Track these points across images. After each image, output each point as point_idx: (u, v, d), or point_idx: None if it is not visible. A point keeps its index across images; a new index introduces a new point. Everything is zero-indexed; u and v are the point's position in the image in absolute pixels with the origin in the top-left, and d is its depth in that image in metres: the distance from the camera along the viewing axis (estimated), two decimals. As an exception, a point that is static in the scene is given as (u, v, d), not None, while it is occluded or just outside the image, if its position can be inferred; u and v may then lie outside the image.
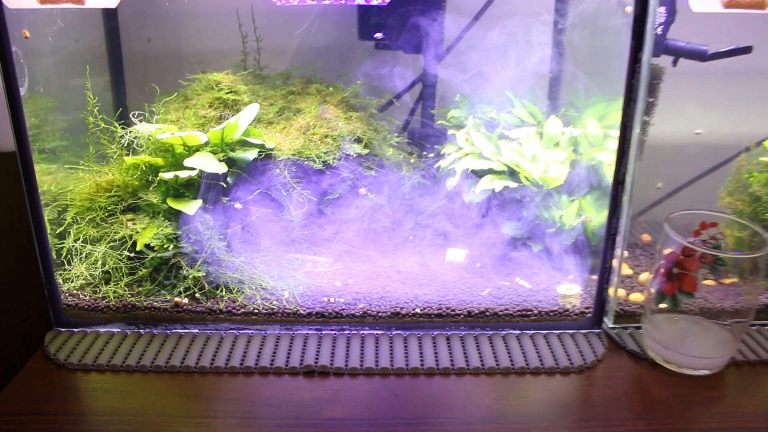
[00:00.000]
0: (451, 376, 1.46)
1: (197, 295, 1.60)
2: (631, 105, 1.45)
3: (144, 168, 1.63)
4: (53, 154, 1.69)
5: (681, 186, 1.95)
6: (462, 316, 1.60)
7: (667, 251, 1.45)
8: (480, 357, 1.50)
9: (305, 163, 1.70)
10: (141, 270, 1.61)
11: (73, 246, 1.61)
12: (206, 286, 1.61)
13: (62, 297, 1.61)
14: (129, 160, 1.62)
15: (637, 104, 1.45)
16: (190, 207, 1.57)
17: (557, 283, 1.68)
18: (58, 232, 1.63)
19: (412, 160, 1.88)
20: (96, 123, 1.63)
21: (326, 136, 1.74)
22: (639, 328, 1.60)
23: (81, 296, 1.62)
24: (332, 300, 1.62)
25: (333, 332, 1.59)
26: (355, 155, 1.74)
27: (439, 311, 1.61)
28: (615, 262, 1.57)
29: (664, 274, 1.45)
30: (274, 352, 1.52)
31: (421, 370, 1.47)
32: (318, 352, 1.52)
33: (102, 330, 1.60)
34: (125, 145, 1.63)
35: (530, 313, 1.61)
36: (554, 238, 1.72)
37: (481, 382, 1.44)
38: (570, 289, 1.64)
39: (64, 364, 1.48)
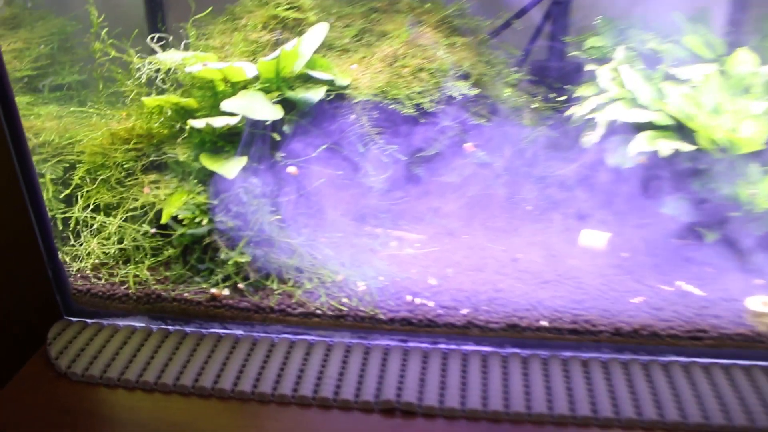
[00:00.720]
0: (592, 429, 1.05)
1: (240, 286, 1.28)
2: None
3: (170, 112, 1.24)
4: (65, 92, 1.37)
5: None
6: (607, 334, 1.17)
7: None
8: (633, 399, 1.09)
9: (391, 106, 1.44)
10: (167, 250, 1.27)
11: (81, 216, 1.26)
12: (252, 274, 1.29)
13: (71, 280, 1.32)
14: (149, 101, 1.24)
15: None
16: (230, 168, 1.25)
17: (745, 293, 1.25)
18: (63, 195, 1.29)
19: (535, 106, 1.62)
20: (105, 50, 1.24)
21: (421, 70, 1.49)
22: None
23: (93, 280, 1.32)
24: (422, 302, 1.26)
25: (423, 346, 1.22)
26: (459, 97, 1.47)
27: (574, 326, 1.19)
28: None
29: None
30: (341, 373, 1.15)
31: (548, 418, 1.06)
32: (402, 377, 1.14)
33: (121, 323, 1.30)
34: (144, 80, 1.26)
35: (704, 335, 1.18)
36: (741, 225, 1.36)
37: (639, 446, 1.02)
38: (766, 303, 1.21)
39: (65, 372, 1.18)
